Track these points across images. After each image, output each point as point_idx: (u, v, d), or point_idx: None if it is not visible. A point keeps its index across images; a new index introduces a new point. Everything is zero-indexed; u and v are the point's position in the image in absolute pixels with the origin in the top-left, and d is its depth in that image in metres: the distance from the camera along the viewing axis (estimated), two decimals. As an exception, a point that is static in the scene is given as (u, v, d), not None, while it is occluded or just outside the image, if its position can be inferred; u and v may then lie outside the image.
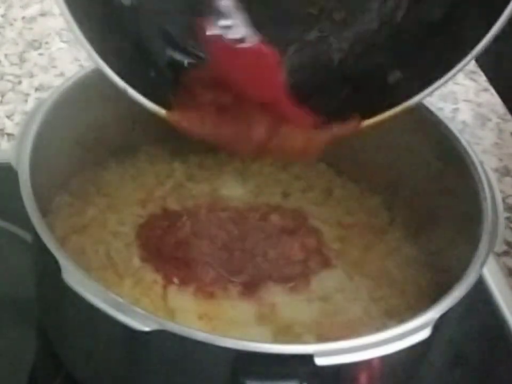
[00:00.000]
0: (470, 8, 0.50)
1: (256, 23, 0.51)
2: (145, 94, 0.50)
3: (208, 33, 0.49)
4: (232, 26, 0.49)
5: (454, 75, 0.50)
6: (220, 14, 0.49)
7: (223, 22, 0.49)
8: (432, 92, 0.51)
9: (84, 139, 0.61)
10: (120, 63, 0.50)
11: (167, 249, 0.57)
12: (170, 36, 0.53)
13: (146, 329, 0.43)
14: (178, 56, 0.53)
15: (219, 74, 0.50)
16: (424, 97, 0.51)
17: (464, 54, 0.49)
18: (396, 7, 0.53)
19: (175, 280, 0.55)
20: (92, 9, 0.49)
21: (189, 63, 0.53)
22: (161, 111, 0.51)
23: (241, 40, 0.49)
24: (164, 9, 0.52)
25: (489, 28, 0.48)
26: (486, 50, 0.49)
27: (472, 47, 0.49)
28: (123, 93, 0.50)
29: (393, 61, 0.53)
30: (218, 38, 0.49)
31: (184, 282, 0.55)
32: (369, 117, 0.52)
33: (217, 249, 0.58)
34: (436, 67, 0.51)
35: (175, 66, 0.53)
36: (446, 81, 0.50)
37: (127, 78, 0.49)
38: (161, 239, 0.58)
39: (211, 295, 0.55)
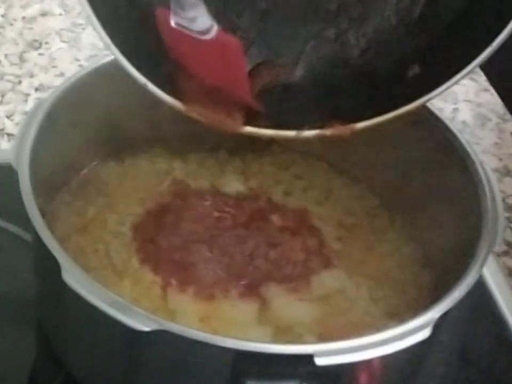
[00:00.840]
0: (487, 4, 0.51)
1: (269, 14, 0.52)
2: (162, 88, 0.51)
3: (171, 25, 0.49)
4: (196, 18, 0.49)
5: (471, 70, 0.50)
6: (182, 6, 0.48)
7: (186, 14, 0.49)
8: (449, 88, 0.50)
9: (83, 139, 0.61)
10: (140, 59, 0.50)
11: (165, 252, 0.57)
12: None
13: (146, 329, 0.43)
14: None
15: (183, 64, 0.50)
16: (441, 93, 0.51)
17: (481, 49, 0.49)
18: (412, 2, 0.53)
19: (175, 282, 0.55)
20: (116, 9, 0.49)
21: None
22: (178, 104, 0.52)
23: (204, 32, 0.49)
24: None
25: (506, 23, 0.48)
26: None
27: (489, 43, 0.49)
28: (143, 88, 0.50)
29: (412, 56, 0.53)
30: (182, 30, 0.49)
31: (183, 284, 0.55)
32: (380, 115, 0.52)
33: (217, 253, 0.58)
34: (453, 63, 0.51)
35: None
36: (463, 77, 0.50)
37: (145, 73, 0.50)
38: (158, 242, 0.58)
39: (211, 296, 0.55)
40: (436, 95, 0.51)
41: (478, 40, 0.50)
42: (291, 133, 0.53)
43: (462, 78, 0.50)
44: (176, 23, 0.49)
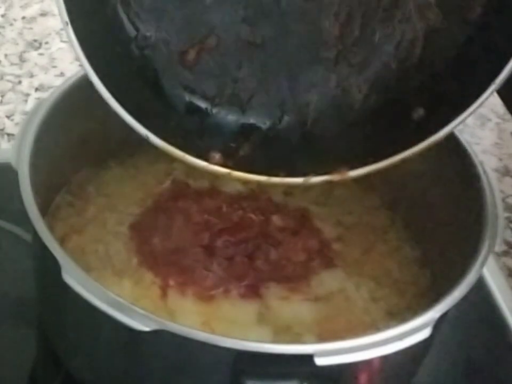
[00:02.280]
0: (488, 40, 0.50)
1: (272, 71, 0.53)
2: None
3: None
4: None
5: (479, 107, 0.49)
6: None
7: None
8: (456, 126, 0.50)
9: (83, 139, 0.61)
10: (140, 111, 0.50)
11: (165, 252, 0.57)
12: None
13: (146, 329, 0.43)
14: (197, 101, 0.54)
15: None
16: (445, 134, 0.50)
17: (486, 85, 0.48)
18: (411, 47, 0.52)
19: (174, 282, 0.55)
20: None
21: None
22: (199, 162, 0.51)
23: None
24: None
25: (508, 59, 0.47)
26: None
27: (492, 78, 0.48)
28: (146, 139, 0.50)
29: (415, 98, 0.53)
30: None
31: (183, 284, 0.55)
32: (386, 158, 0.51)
33: (217, 253, 0.58)
34: (459, 101, 0.50)
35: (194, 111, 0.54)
36: (471, 114, 0.49)
37: (148, 123, 0.50)
38: (157, 242, 0.58)
39: (211, 296, 0.55)
40: (441, 137, 0.50)
41: (481, 79, 0.49)
42: (298, 180, 0.52)
43: (468, 117, 0.49)
44: None
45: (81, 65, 0.48)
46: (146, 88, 0.53)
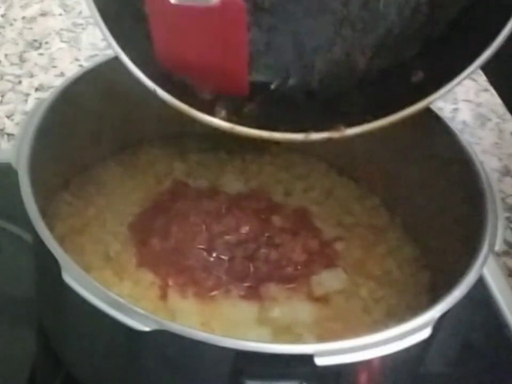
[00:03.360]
0: (487, 5, 0.51)
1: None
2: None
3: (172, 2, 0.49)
4: None
5: (475, 70, 0.50)
6: None
7: None
8: (450, 90, 0.51)
9: (83, 139, 0.61)
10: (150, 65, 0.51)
11: (164, 252, 0.57)
12: None
13: (146, 329, 0.43)
14: None
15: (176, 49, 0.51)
16: (442, 95, 0.52)
17: (483, 48, 0.49)
18: (414, 12, 0.53)
19: (174, 283, 0.55)
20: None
21: None
22: (188, 108, 0.52)
23: None
24: None
25: (506, 21, 0.48)
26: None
27: (490, 41, 0.49)
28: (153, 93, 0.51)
29: (416, 61, 0.54)
30: (183, 3, 0.49)
31: (183, 285, 0.55)
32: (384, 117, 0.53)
33: (217, 254, 0.58)
34: (455, 65, 0.51)
35: None
36: (468, 75, 0.51)
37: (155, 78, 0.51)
38: (157, 242, 0.58)
39: (211, 297, 0.55)
40: (437, 97, 0.52)
41: (479, 41, 0.50)
42: (299, 136, 0.53)
43: (463, 79, 0.51)
44: None
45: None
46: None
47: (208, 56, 0.51)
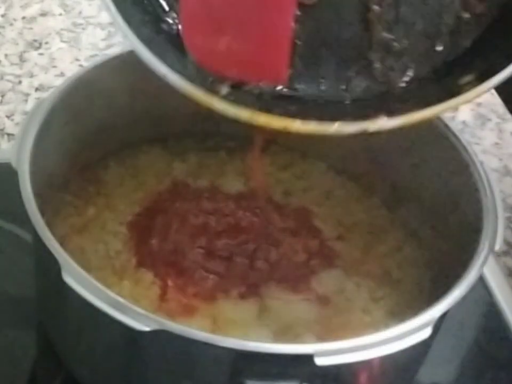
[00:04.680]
0: None
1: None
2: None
3: None
4: None
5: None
6: None
7: None
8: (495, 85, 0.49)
9: (83, 139, 0.61)
10: (168, 53, 0.48)
11: (164, 252, 0.57)
12: None
13: (146, 329, 0.43)
14: None
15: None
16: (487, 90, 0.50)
17: None
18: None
19: (174, 283, 0.55)
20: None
21: None
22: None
23: None
24: None
25: None
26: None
27: None
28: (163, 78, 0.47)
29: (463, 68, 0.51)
30: None
31: (183, 285, 0.55)
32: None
33: (217, 254, 0.58)
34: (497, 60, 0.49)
35: None
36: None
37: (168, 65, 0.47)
38: (157, 242, 0.58)
39: (211, 297, 0.55)
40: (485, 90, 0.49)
41: None
42: (330, 128, 0.47)
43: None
44: None
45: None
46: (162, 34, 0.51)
47: (247, 41, 0.47)
